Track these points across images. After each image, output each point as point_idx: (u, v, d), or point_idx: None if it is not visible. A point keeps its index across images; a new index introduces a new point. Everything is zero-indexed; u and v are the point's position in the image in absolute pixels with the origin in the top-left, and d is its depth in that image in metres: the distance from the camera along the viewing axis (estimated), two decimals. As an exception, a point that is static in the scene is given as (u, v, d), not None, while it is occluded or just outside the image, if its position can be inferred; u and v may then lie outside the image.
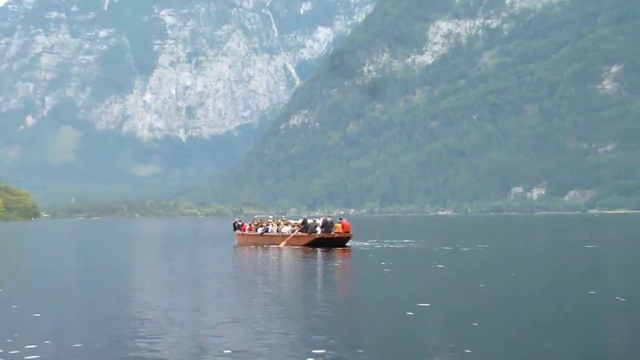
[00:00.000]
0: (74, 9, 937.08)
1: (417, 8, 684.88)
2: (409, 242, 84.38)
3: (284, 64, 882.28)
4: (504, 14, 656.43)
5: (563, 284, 40.97)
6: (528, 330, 25.37)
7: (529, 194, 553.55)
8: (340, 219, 77.40)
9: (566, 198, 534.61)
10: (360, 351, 21.23)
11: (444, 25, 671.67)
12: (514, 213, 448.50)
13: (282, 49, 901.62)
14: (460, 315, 27.94)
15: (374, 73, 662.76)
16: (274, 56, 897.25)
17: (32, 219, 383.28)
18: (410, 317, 27.18)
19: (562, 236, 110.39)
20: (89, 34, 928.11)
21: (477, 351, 21.30)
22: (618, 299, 32.35)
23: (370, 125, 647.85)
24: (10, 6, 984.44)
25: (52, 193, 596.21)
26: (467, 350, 20.50)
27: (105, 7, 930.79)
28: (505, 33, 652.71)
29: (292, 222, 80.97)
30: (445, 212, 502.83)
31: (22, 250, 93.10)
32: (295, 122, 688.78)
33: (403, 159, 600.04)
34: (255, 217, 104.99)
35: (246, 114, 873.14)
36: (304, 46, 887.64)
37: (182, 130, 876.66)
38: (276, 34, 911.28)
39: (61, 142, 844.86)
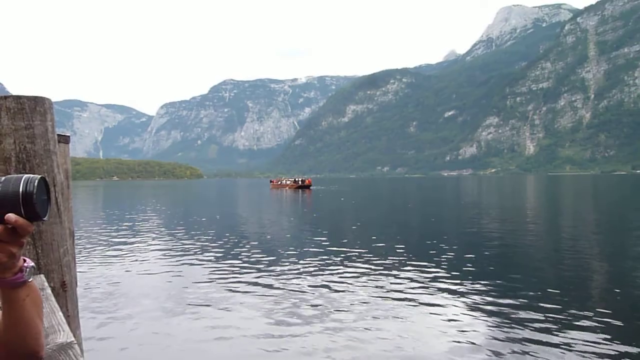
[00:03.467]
0: (216, 101, 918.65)
1: (342, 100, 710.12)
2: (335, 187, 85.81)
3: (293, 121, 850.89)
4: (373, 102, 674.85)
5: (401, 197, 44.06)
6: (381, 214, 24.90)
7: (383, 169, 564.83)
8: (308, 178, 79.27)
9: (397, 170, 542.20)
10: (316, 215, 23.90)
11: (352, 108, 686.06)
12: (377, 177, 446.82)
13: (292, 116, 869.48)
14: (351, 210, 28.22)
15: (326, 126, 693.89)
16: (289, 119, 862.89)
17: (200, 178, 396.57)
18: (333, 206, 28.97)
19: (396, 185, 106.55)
20: (220, 110, 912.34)
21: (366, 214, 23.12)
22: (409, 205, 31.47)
23: (325, 144, 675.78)
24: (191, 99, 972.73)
25: (208, 168, 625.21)
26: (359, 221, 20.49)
27: (227, 100, 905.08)
28: (374, 110, 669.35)
29: (291, 179, 79.85)
30: (352, 176, 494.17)
31: (198, 187, 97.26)
32: (297, 143, 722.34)
33: (336, 157, 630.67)
34: (278, 177, 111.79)
35: (279, 139, 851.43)
36: (300, 114, 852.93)
37: (255, 146, 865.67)
38: (290, 110, 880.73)
39: (210, 151, 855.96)
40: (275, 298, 8.04)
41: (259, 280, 9.50)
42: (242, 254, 12.87)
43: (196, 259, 12.32)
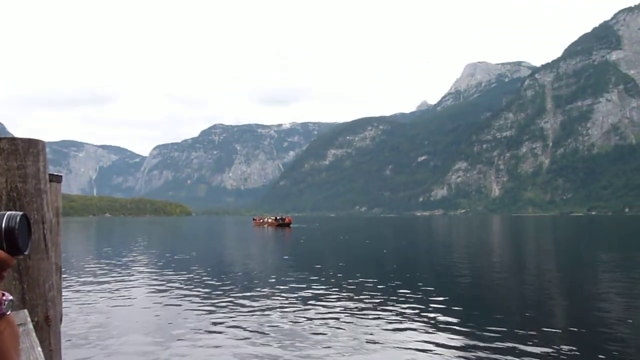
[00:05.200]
0: (206, 144, 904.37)
1: (323, 144, 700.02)
2: (314, 224, 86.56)
3: (278, 164, 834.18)
4: (352, 147, 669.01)
5: (378, 234, 44.03)
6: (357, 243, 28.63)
7: (361, 209, 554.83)
8: (289, 217, 79.54)
9: (374, 210, 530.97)
10: (297, 250, 22.89)
11: (332, 152, 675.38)
12: (355, 216, 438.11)
13: (277, 159, 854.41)
14: (326, 241, 30.84)
15: (308, 168, 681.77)
16: (275, 161, 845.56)
17: (189, 215, 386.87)
18: (314, 240, 29.68)
19: (372, 222, 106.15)
20: (209, 152, 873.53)
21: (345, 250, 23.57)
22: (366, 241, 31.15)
23: (308, 185, 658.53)
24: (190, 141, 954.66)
25: (197, 206, 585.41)
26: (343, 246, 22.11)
27: (216, 143, 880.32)
28: (353, 154, 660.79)
29: (272, 217, 78.54)
30: (332, 215, 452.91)
31: (186, 224, 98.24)
32: (281, 184, 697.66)
33: (317, 197, 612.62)
34: (261, 215, 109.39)
35: (265, 180, 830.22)
36: (284, 157, 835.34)
37: (242, 186, 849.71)
38: (275, 153, 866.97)
39: (200, 190, 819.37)
40: (252, 330, 7.93)
41: (238, 313, 9.53)
42: (223, 287, 12.75)
43: (180, 293, 12.05)
